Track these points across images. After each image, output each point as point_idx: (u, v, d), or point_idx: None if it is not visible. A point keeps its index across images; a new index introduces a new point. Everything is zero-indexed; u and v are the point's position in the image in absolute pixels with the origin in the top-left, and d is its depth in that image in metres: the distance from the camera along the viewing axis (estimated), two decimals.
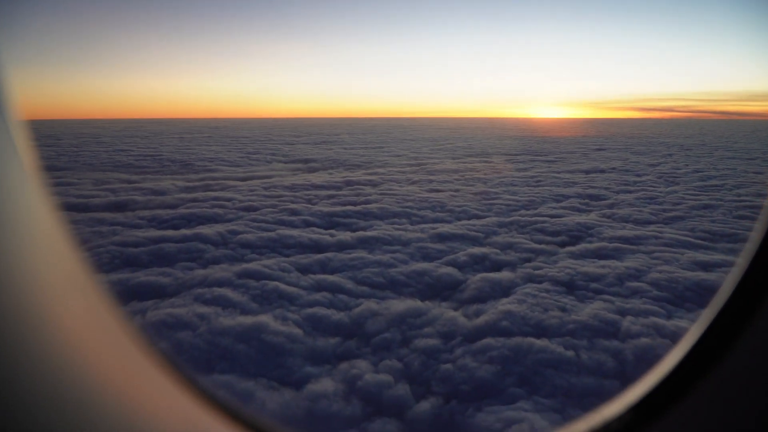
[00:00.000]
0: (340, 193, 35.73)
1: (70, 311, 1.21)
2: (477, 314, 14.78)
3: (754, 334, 1.08)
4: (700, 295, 16.28)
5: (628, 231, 24.80)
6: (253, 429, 1.37)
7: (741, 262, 1.18)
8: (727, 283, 1.19)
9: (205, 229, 24.47)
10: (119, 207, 30.87)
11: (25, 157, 1.22)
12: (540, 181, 42.72)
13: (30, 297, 1.07)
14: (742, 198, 34.61)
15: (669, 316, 14.67)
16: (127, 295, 16.15)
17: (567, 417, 10.01)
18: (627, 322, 13.89)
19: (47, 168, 51.35)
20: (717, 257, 20.27)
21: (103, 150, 73.50)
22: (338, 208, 29.79)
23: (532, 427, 9.34)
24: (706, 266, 19.03)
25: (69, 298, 1.24)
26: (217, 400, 1.36)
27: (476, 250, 21.39)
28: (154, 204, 31.62)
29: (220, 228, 24.80)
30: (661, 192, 37.18)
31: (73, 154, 66.97)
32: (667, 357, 1.23)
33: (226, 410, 1.36)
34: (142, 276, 18.03)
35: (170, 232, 24.12)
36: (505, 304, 15.18)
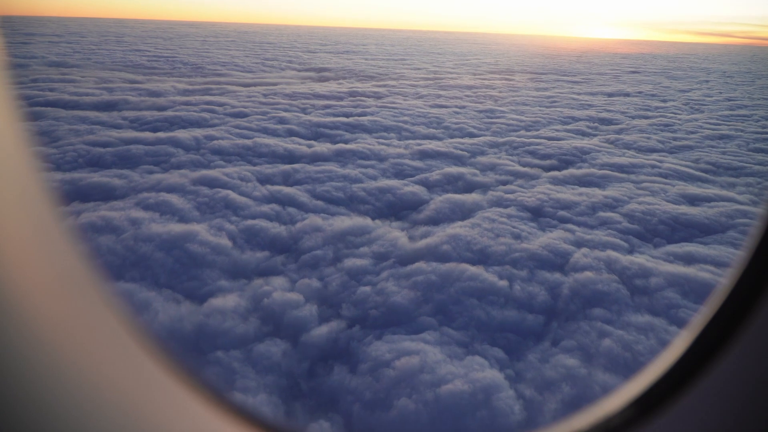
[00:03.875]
0: (339, 104, 34.37)
1: (68, 308, 1.16)
2: (423, 236, 13.93)
3: (754, 330, 1.08)
4: (674, 230, 15.10)
5: (626, 158, 23.26)
6: (255, 428, 1.32)
7: (740, 257, 1.17)
8: (727, 278, 1.17)
9: (183, 134, 23.70)
10: (108, 106, 30.15)
11: (24, 150, 1.18)
12: (555, 101, 40.49)
13: (27, 293, 1.02)
14: (766, 130, 32.25)
15: (630, 251, 13.63)
16: (73, 196, 15.69)
17: (472, 351, 9.30)
18: (579, 255, 12.90)
19: (58, 64, 50.68)
20: (710, 191, 18.81)
21: (121, 49, 72.41)
22: (329, 119, 28.63)
23: (422, 360, 8.64)
24: (693, 200, 17.67)
25: (67, 294, 1.18)
26: (220, 398, 1.30)
27: (453, 169, 20.27)
28: (144, 105, 30.81)
29: (199, 133, 24.02)
30: (680, 119, 34.88)
31: (89, 52, 65.95)
32: (667, 352, 1.21)
33: (230, 409, 1.30)
34: (97, 177, 17.50)
35: (146, 134, 23.42)
36: (456, 228, 14.26)
